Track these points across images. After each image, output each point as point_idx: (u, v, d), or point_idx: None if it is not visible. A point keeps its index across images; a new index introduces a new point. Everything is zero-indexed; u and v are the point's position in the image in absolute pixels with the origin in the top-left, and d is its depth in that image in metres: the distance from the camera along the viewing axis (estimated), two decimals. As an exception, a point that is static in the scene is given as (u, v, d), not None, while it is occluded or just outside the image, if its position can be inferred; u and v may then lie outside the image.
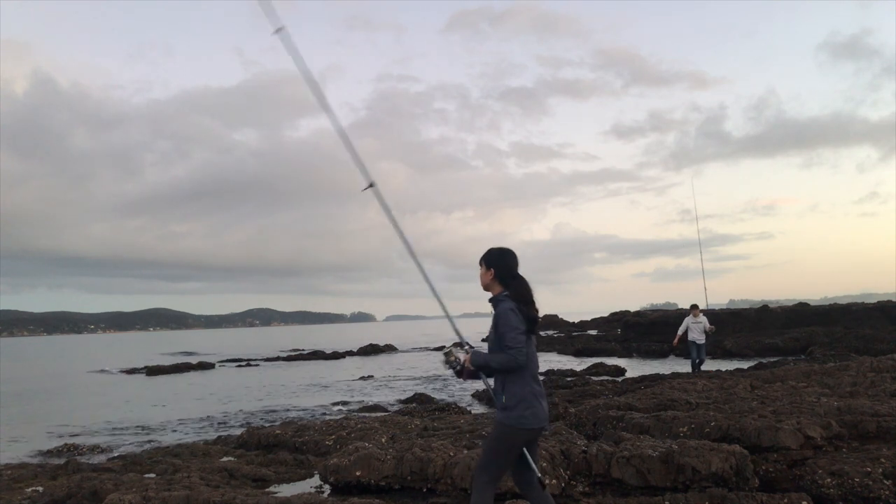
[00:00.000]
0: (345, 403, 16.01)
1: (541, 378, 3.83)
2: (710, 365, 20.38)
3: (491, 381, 3.85)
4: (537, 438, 3.83)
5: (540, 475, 3.79)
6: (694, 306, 15.59)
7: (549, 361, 27.03)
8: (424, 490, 5.70)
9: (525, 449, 3.73)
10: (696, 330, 15.17)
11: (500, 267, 3.80)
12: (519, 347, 3.54)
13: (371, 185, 4.35)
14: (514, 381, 3.64)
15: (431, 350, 41.17)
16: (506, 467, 3.73)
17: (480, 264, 3.88)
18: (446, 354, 3.88)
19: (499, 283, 3.80)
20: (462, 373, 3.79)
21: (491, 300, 3.82)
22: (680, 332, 15.46)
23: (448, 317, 4.12)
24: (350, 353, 39.12)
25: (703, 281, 18.18)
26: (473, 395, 16.19)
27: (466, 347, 3.84)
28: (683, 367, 20.44)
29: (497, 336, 3.66)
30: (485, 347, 3.83)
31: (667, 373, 16.48)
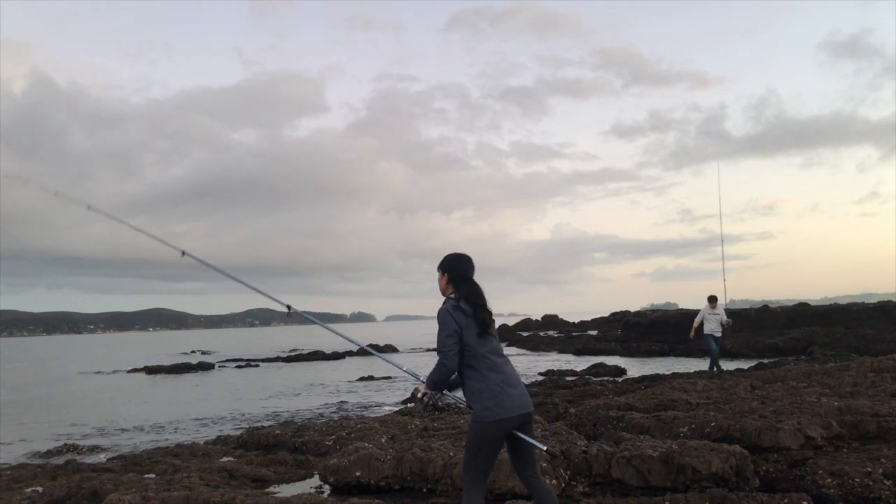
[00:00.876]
0: (345, 403, 16.01)
1: (509, 366, 3.80)
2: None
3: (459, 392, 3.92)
4: (526, 425, 3.75)
5: (544, 448, 3.77)
6: (712, 298, 14.79)
7: (549, 361, 27.03)
8: (424, 490, 5.69)
9: (520, 434, 3.72)
10: (713, 322, 14.58)
11: (452, 271, 3.89)
12: (445, 350, 3.65)
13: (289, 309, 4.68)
14: (470, 378, 3.71)
15: (432, 350, 41.16)
16: (487, 463, 3.73)
17: (438, 270, 3.98)
18: (413, 395, 4.04)
19: (452, 287, 3.88)
20: (436, 402, 3.86)
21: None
22: (696, 323, 14.89)
23: (375, 353, 4.39)
24: (350, 354, 39.10)
25: (722, 277, 16.20)
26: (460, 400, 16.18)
27: (419, 377, 3.93)
28: (684, 367, 20.41)
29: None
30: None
31: (667, 373, 16.48)
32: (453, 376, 3.83)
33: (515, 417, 3.66)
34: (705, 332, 14.64)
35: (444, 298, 3.90)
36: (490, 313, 3.82)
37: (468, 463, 3.75)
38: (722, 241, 16.63)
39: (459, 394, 3.92)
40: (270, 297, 4.88)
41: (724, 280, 16.05)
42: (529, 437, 3.77)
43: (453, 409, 11.91)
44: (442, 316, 3.72)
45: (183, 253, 5.03)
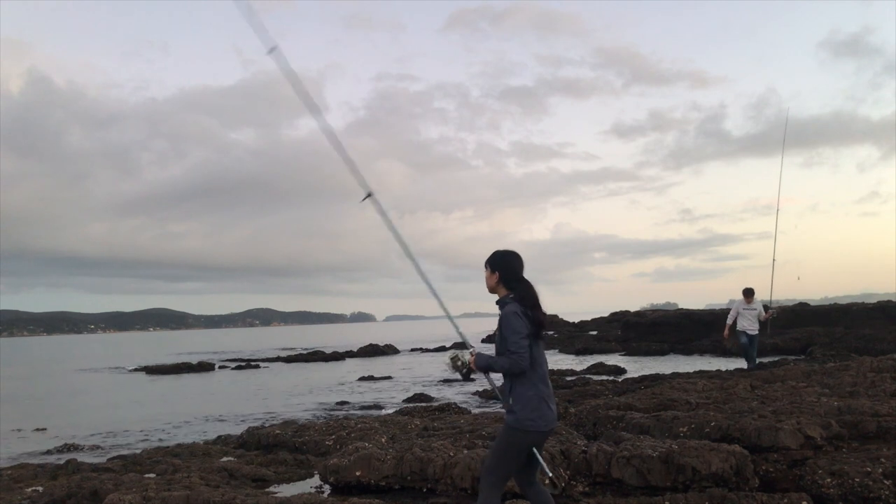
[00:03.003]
0: (345, 403, 16.01)
1: (549, 380, 3.82)
2: (711, 364, 20.34)
3: (498, 382, 3.86)
4: (545, 440, 3.81)
5: (551, 474, 3.78)
6: (748, 291, 13.18)
7: (549, 361, 27.04)
8: (424, 490, 5.70)
9: (535, 449, 3.73)
10: (747, 318, 12.99)
11: (505, 270, 3.81)
12: (521, 352, 3.55)
13: (369, 195, 4.32)
14: (522, 384, 3.65)
15: (432, 350, 41.15)
16: (512, 469, 3.73)
17: (486, 267, 3.90)
18: (452, 359, 3.96)
19: (503, 285, 3.81)
20: (468, 375, 3.83)
21: (497, 302, 3.83)
22: (729, 320, 13.30)
23: (451, 319, 4.14)
24: (350, 354, 39.09)
25: (771, 274, 13.68)
26: (473, 395, 16.20)
27: (471, 349, 3.85)
28: (684, 366, 20.36)
29: (501, 339, 3.67)
30: (485, 348, 3.84)
31: (667, 373, 16.48)
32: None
33: (547, 433, 3.70)
34: (738, 329, 13.17)
35: (496, 296, 3.81)
36: (545, 314, 3.75)
37: (494, 465, 3.72)
38: (777, 221, 13.80)
39: (497, 383, 3.86)
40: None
41: (774, 259, 13.49)
42: (542, 451, 3.80)
43: (453, 409, 11.92)
44: (512, 318, 3.62)
45: (369, 194, 4.36)
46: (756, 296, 13.25)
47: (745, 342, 13.12)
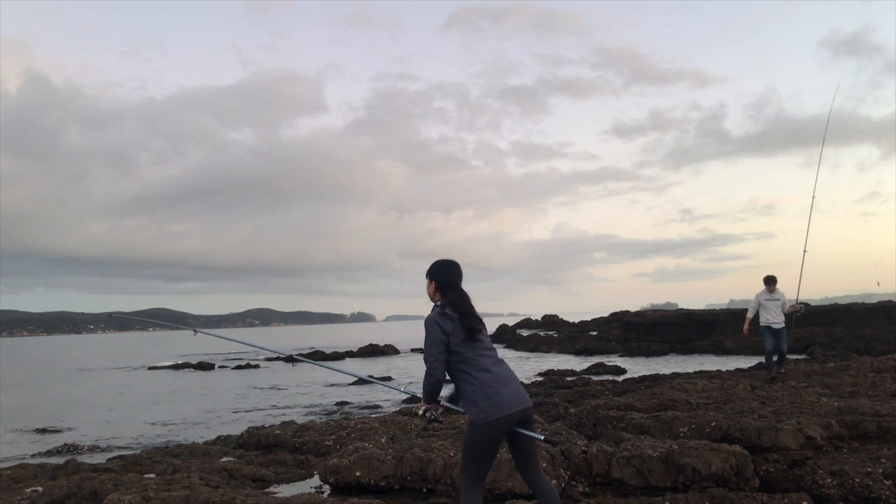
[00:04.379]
0: (345, 403, 16.01)
1: (501, 367, 3.79)
2: (711, 364, 20.32)
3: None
4: (526, 422, 3.75)
5: (549, 437, 3.78)
6: (769, 278, 11.15)
7: (549, 361, 27.03)
8: (424, 490, 5.69)
9: (520, 430, 3.72)
10: (771, 310, 11.02)
11: (440, 278, 3.90)
12: (430, 360, 3.68)
13: None
14: (462, 382, 3.72)
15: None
16: (485, 464, 3.73)
17: (426, 277, 3.99)
18: (415, 414, 4.03)
19: (440, 294, 3.89)
20: (433, 417, 3.87)
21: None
22: (749, 314, 11.35)
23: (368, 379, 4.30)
24: (350, 354, 39.10)
25: (801, 268, 11.87)
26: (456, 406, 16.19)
27: (418, 394, 3.93)
28: (684, 367, 20.35)
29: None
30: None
31: (667, 373, 16.49)
32: (452, 388, 3.84)
33: (513, 415, 3.65)
34: (761, 324, 11.12)
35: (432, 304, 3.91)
36: (478, 319, 3.81)
37: (465, 464, 3.75)
38: (811, 211, 11.80)
39: (449, 398, 3.93)
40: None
41: (805, 251, 11.72)
42: (529, 428, 3.76)
43: (453, 410, 11.92)
44: (428, 324, 3.74)
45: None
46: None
47: (769, 340, 11.11)
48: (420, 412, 3.89)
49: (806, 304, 11.83)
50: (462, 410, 3.84)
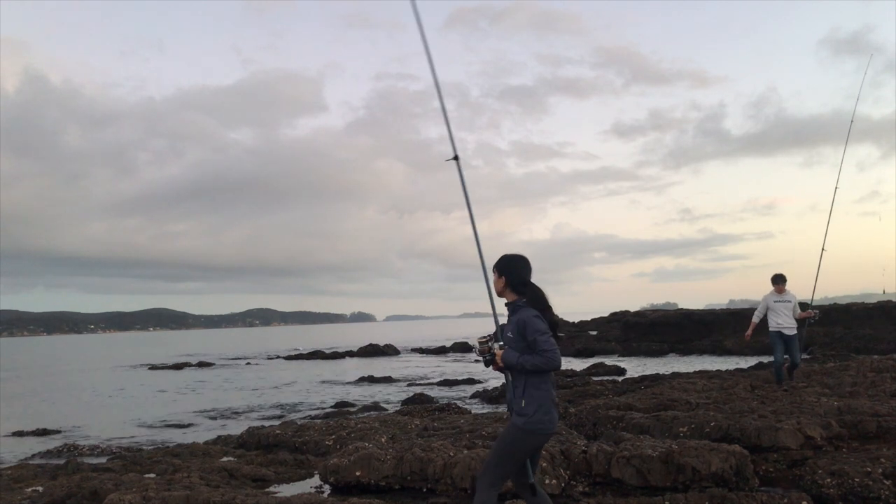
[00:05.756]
0: (345, 403, 16.02)
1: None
2: (711, 364, 20.31)
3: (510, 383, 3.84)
4: (546, 442, 3.83)
5: (533, 481, 3.75)
6: (778, 277, 9.63)
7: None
8: (424, 490, 5.70)
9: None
10: (780, 313, 9.47)
11: (511, 274, 3.83)
12: (554, 349, 3.59)
13: (455, 158, 4.52)
14: (536, 386, 3.65)
15: (432, 351, 41.15)
16: (514, 468, 3.72)
17: (493, 271, 3.94)
18: (481, 343, 3.91)
19: (511, 290, 3.83)
20: (490, 364, 3.80)
21: (507, 305, 3.85)
22: (755, 318, 9.79)
23: (494, 315, 4.12)
24: (350, 354, 39.11)
25: (818, 266, 10.77)
26: (473, 396, 16.21)
27: (500, 343, 3.82)
28: (684, 367, 20.33)
29: (527, 342, 3.65)
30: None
31: (667, 373, 16.50)
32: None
33: (550, 436, 3.73)
34: (770, 329, 9.61)
35: (504, 300, 3.83)
36: (556, 316, 3.81)
37: (495, 464, 3.70)
38: (833, 202, 10.99)
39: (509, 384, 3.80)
40: None
41: (824, 249, 10.71)
42: (537, 456, 3.83)
43: (453, 409, 11.92)
44: (534, 320, 3.65)
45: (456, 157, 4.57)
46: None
47: (780, 349, 9.52)
48: (489, 350, 3.74)
49: (818, 311, 10.30)
50: (511, 399, 3.72)
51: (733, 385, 9.96)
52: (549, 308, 3.76)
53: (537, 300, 3.76)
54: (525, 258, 3.92)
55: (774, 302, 9.54)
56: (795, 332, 9.47)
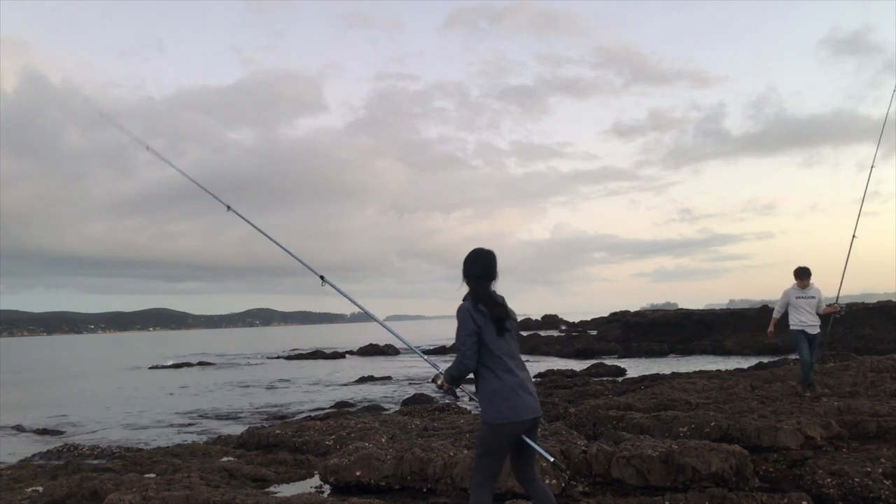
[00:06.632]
0: (345, 403, 16.01)
1: (525, 371, 3.76)
2: (711, 364, 20.33)
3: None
4: (533, 429, 3.74)
5: (552, 459, 3.74)
6: (802, 271, 8.80)
7: (549, 362, 27.03)
8: (424, 490, 5.70)
9: (527, 440, 3.71)
10: (804, 310, 8.67)
11: (465, 270, 3.84)
12: (463, 350, 3.62)
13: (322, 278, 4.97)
14: (485, 378, 3.67)
15: (432, 351, 41.15)
16: (496, 465, 3.70)
17: None
18: (433, 379, 4.00)
19: (466, 283, 3.85)
20: (449, 392, 3.85)
21: None
22: (776, 313, 9.07)
23: (409, 346, 4.36)
24: (350, 353, 39.11)
25: (846, 257, 9.91)
26: (474, 396, 16.20)
27: (438, 372, 3.90)
28: (684, 367, 20.34)
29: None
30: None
31: (667, 373, 16.50)
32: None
33: (527, 421, 3.64)
34: (792, 328, 8.79)
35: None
36: (506, 312, 3.75)
37: (477, 464, 3.72)
38: (865, 191, 9.82)
39: (471, 388, 3.88)
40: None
41: (854, 236, 9.75)
42: (535, 441, 3.75)
43: (453, 409, 11.93)
44: (461, 314, 3.67)
45: (322, 281, 5.07)
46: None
47: (805, 348, 8.67)
48: (438, 382, 3.83)
49: (844, 306, 9.40)
50: (474, 397, 3.79)
51: (733, 385, 9.97)
52: (493, 302, 3.72)
53: (477, 293, 3.74)
54: (479, 252, 3.86)
55: (797, 298, 8.72)
56: (819, 330, 8.72)
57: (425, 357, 4.55)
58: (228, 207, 5.31)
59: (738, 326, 30.26)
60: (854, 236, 9.69)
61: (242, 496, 5.49)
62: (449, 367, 3.73)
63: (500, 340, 3.67)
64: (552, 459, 3.71)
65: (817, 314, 8.70)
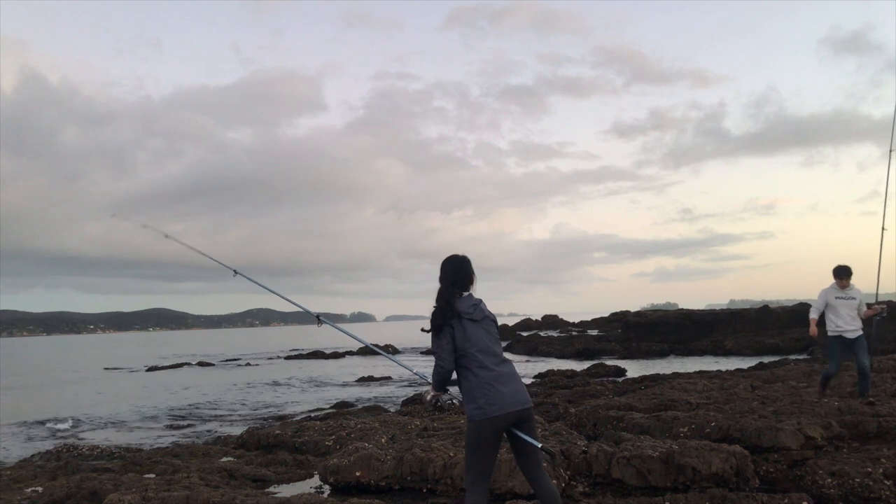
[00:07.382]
0: (345, 404, 16.01)
1: (504, 366, 3.80)
2: (711, 364, 20.32)
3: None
4: (525, 422, 3.74)
5: (546, 447, 3.76)
6: (842, 270, 7.99)
7: (549, 362, 27.03)
8: (424, 490, 5.69)
9: (517, 432, 3.71)
10: (842, 313, 7.94)
11: (441, 274, 3.95)
12: (438, 352, 3.76)
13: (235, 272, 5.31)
14: (463, 377, 3.76)
15: (431, 352, 41.17)
16: (487, 462, 3.72)
17: None
18: (422, 397, 4.13)
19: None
20: (436, 404, 3.95)
21: None
22: (813, 314, 8.14)
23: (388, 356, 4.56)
24: (350, 353, 39.10)
25: (879, 250, 9.06)
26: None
27: (429, 379, 4.00)
28: (684, 367, 20.33)
29: None
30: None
31: (667, 373, 16.49)
32: (454, 377, 3.86)
33: (510, 415, 3.65)
34: (829, 334, 8.09)
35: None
36: (477, 310, 3.83)
37: (468, 462, 3.77)
38: (884, 213, 9.05)
39: (457, 391, 3.95)
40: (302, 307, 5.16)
41: (884, 229, 8.96)
42: (528, 435, 3.75)
43: (453, 410, 11.93)
44: (433, 319, 3.80)
45: (235, 272, 5.46)
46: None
47: (836, 357, 8.08)
48: (428, 397, 3.93)
49: (885, 307, 8.56)
50: (460, 400, 3.89)
51: (733, 385, 9.97)
52: (450, 295, 3.81)
53: (443, 299, 3.84)
54: (452, 259, 3.98)
55: (836, 298, 7.95)
56: (860, 333, 7.96)
57: (392, 358, 4.82)
58: (235, 272, 5.55)
59: (738, 326, 30.28)
60: (884, 228, 8.96)
61: (242, 496, 5.49)
62: (432, 375, 3.85)
63: (473, 338, 3.75)
64: (539, 445, 3.73)
65: (859, 317, 8.00)
